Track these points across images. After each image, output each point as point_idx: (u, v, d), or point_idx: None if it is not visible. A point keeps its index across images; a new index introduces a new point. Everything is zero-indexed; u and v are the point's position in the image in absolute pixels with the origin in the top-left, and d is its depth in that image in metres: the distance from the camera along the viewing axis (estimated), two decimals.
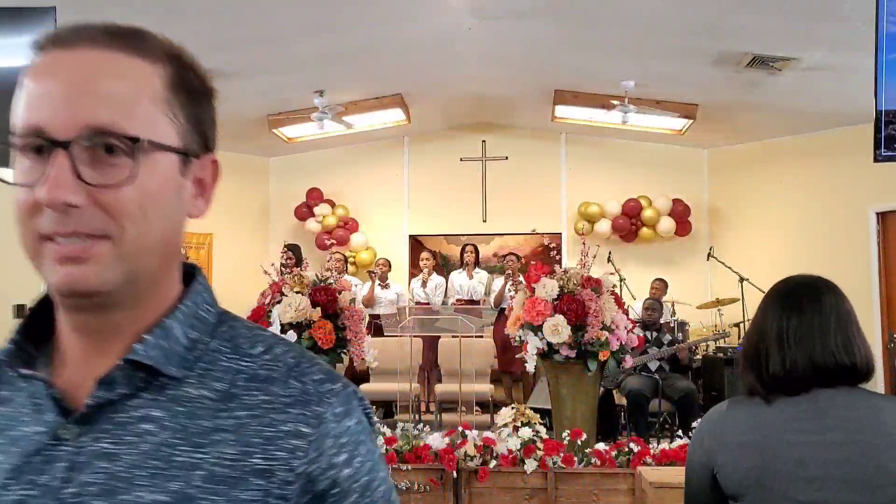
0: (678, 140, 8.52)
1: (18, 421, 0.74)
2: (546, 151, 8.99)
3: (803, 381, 1.53)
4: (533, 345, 4.75)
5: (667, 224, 8.48)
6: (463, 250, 8.31)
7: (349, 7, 5.50)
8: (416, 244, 9.67)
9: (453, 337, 6.77)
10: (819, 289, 1.68)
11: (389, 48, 6.42)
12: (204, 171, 0.79)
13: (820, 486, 1.43)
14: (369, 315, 7.87)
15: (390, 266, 8.27)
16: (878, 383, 7.08)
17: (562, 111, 8.09)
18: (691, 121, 7.66)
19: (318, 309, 4.90)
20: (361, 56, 6.50)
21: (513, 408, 4.50)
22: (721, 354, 6.61)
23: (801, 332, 1.57)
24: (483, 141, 9.01)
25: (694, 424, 4.54)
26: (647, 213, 8.50)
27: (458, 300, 7.90)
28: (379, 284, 8.06)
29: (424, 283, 7.96)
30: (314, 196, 8.84)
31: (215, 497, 0.69)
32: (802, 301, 1.64)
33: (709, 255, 8.10)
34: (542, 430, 4.30)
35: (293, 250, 7.60)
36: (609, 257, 8.00)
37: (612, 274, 7.03)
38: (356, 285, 7.96)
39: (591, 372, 4.69)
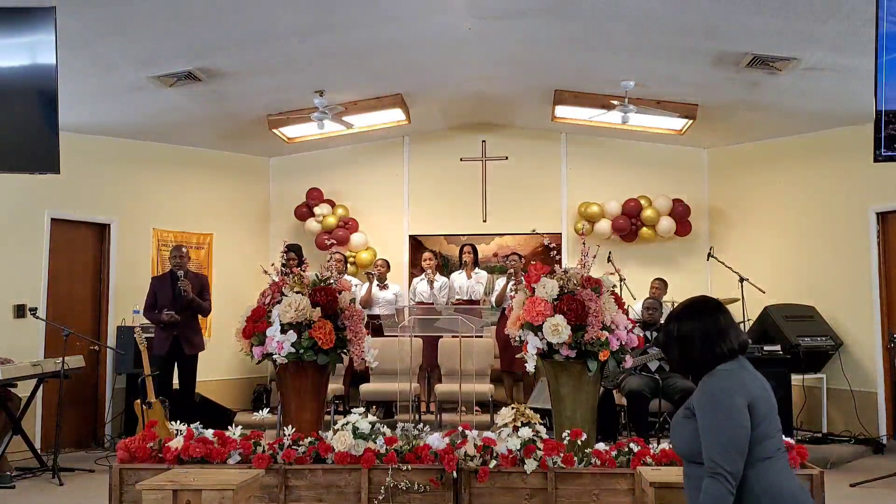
0: (678, 140, 8.52)
1: None
2: (546, 151, 8.99)
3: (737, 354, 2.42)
4: (533, 345, 4.75)
5: (667, 224, 8.48)
6: (461, 251, 8.31)
7: (349, 7, 5.50)
8: (416, 244, 9.67)
9: (453, 337, 6.77)
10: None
11: (389, 48, 6.41)
12: None
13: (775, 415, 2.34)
14: (368, 315, 7.89)
15: (389, 267, 8.27)
16: (878, 383, 7.08)
17: (562, 111, 8.09)
18: (691, 121, 7.66)
19: (318, 309, 4.90)
20: (361, 56, 6.50)
21: (513, 408, 4.49)
22: None
23: (733, 324, 2.46)
24: (483, 141, 9.01)
25: None
26: (647, 213, 8.50)
27: (457, 300, 7.90)
28: (378, 285, 8.06)
29: (432, 283, 7.95)
30: (314, 196, 8.84)
31: None
32: (725, 309, 2.49)
33: (709, 255, 8.09)
34: (542, 430, 4.30)
35: (295, 250, 7.59)
36: (609, 257, 7.99)
37: (612, 274, 7.04)
38: (356, 285, 7.97)
39: (592, 372, 4.69)
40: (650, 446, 4.22)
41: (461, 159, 8.97)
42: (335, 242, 8.57)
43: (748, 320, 7.61)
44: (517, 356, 5.20)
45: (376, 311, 7.88)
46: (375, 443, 4.13)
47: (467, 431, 4.19)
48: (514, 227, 9.21)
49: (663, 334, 2.51)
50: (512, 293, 6.70)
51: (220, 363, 8.22)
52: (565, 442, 4.14)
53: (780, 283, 7.73)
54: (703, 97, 7.20)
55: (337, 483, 4.06)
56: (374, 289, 8.04)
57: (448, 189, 9.02)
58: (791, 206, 7.98)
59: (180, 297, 6.57)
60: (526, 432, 4.16)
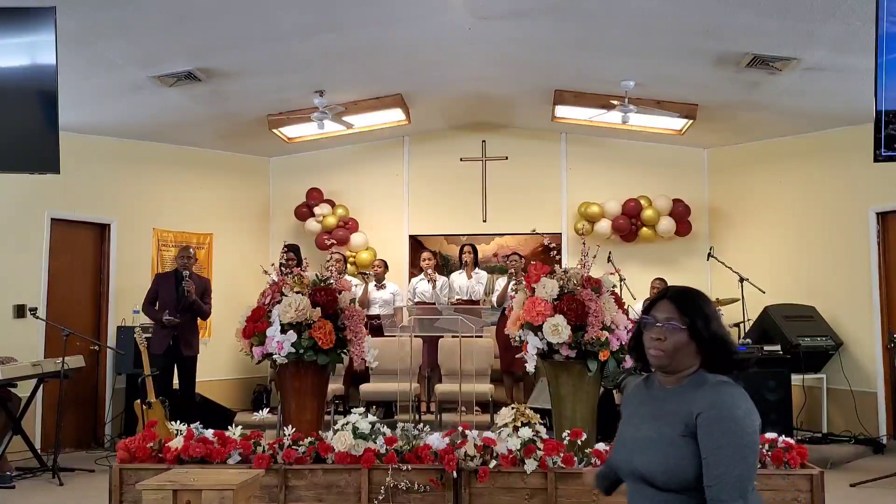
0: (678, 140, 8.52)
1: None
2: (546, 151, 8.99)
3: None
4: (533, 345, 4.75)
5: (667, 224, 8.48)
6: (461, 251, 8.31)
7: (349, 7, 5.50)
8: (416, 244, 9.66)
9: (453, 337, 6.77)
10: None
11: (389, 48, 6.41)
12: None
13: None
14: (366, 315, 7.88)
15: (387, 267, 8.28)
16: (878, 383, 7.08)
17: (562, 111, 8.09)
18: (691, 121, 7.66)
19: (318, 309, 4.90)
20: (361, 56, 6.50)
21: (513, 408, 4.49)
22: None
23: None
24: (483, 141, 9.01)
25: None
26: (647, 213, 8.50)
27: (457, 300, 7.90)
28: (375, 285, 8.07)
29: (434, 283, 7.94)
30: (314, 196, 8.84)
31: None
32: None
33: (709, 255, 8.09)
34: (542, 430, 4.30)
35: (293, 250, 7.60)
36: (609, 257, 7.99)
37: (612, 274, 7.04)
38: (356, 285, 7.97)
39: (592, 372, 4.70)
40: None
41: (461, 159, 8.98)
42: (335, 242, 8.57)
43: (748, 320, 7.61)
44: (517, 356, 5.20)
45: (374, 310, 7.88)
46: (375, 443, 4.13)
47: (467, 431, 4.18)
48: (514, 227, 9.21)
49: (694, 312, 2.00)
50: (512, 293, 6.70)
51: (220, 363, 8.22)
52: (565, 442, 4.14)
53: (780, 283, 7.73)
54: (703, 97, 7.20)
55: (337, 483, 4.06)
56: (371, 288, 8.04)
57: (448, 189, 9.02)
58: (791, 205, 7.98)
59: (183, 298, 6.59)
60: (526, 432, 4.16)
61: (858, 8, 4.93)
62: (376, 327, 7.21)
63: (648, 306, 2.10)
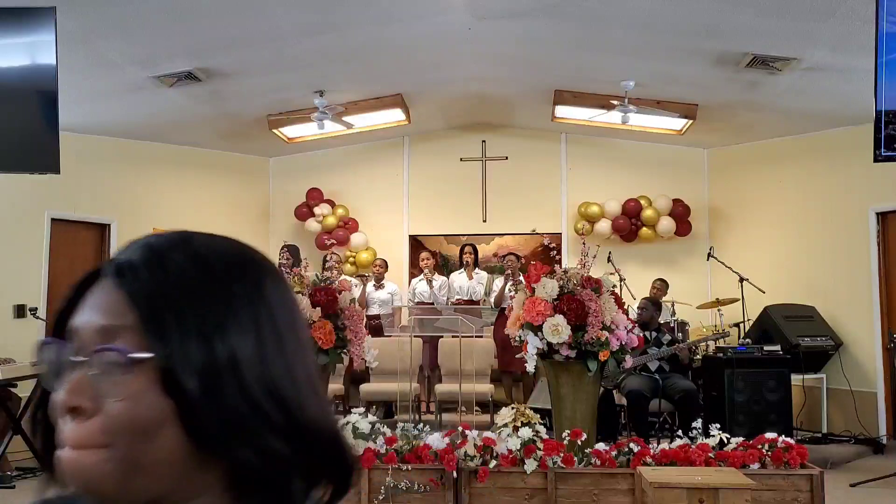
0: (678, 140, 8.52)
1: None
2: (546, 151, 8.99)
3: None
4: (533, 345, 4.75)
5: (667, 224, 8.48)
6: (462, 251, 8.31)
7: (349, 7, 5.50)
8: (416, 244, 9.66)
9: (453, 337, 6.78)
10: None
11: (389, 48, 6.42)
12: None
13: None
14: (366, 316, 7.89)
15: (387, 267, 8.27)
16: (878, 383, 7.08)
17: (562, 111, 8.08)
18: (691, 121, 7.66)
19: (318, 309, 4.90)
20: (361, 56, 6.50)
21: (513, 408, 4.50)
22: (721, 354, 6.61)
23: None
24: (483, 141, 9.01)
25: (694, 424, 4.53)
26: (647, 213, 8.50)
27: (457, 300, 7.90)
28: (374, 285, 8.07)
29: (431, 283, 7.95)
30: (314, 196, 8.84)
31: None
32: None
33: (709, 255, 8.09)
34: (542, 430, 4.30)
35: (290, 251, 7.59)
36: (609, 257, 7.99)
37: (612, 274, 7.04)
38: (355, 285, 7.97)
39: (591, 372, 4.70)
40: (650, 446, 4.22)
41: (461, 159, 8.97)
42: (335, 242, 8.57)
43: (748, 320, 7.61)
44: (517, 356, 5.21)
45: (373, 310, 7.88)
46: (375, 443, 4.13)
47: (467, 431, 4.19)
48: (514, 227, 9.21)
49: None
50: (511, 293, 6.70)
51: None
52: (565, 442, 4.14)
53: (780, 283, 7.72)
54: (703, 97, 7.20)
55: None
56: (370, 288, 8.04)
57: (448, 189, 9.01)
58: (791, 206, 7.97)
59: None
60: (526, 432, 4.16)
61: (858, 8, 4.93)
62: (375, 327, 7.20)
63: (64, 306, 0.72)
